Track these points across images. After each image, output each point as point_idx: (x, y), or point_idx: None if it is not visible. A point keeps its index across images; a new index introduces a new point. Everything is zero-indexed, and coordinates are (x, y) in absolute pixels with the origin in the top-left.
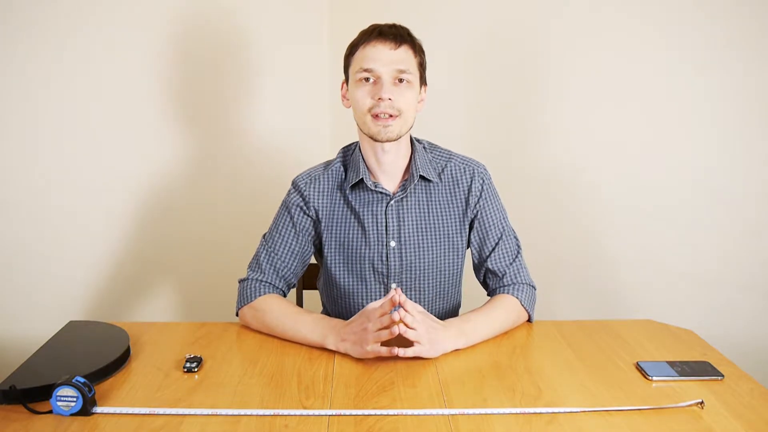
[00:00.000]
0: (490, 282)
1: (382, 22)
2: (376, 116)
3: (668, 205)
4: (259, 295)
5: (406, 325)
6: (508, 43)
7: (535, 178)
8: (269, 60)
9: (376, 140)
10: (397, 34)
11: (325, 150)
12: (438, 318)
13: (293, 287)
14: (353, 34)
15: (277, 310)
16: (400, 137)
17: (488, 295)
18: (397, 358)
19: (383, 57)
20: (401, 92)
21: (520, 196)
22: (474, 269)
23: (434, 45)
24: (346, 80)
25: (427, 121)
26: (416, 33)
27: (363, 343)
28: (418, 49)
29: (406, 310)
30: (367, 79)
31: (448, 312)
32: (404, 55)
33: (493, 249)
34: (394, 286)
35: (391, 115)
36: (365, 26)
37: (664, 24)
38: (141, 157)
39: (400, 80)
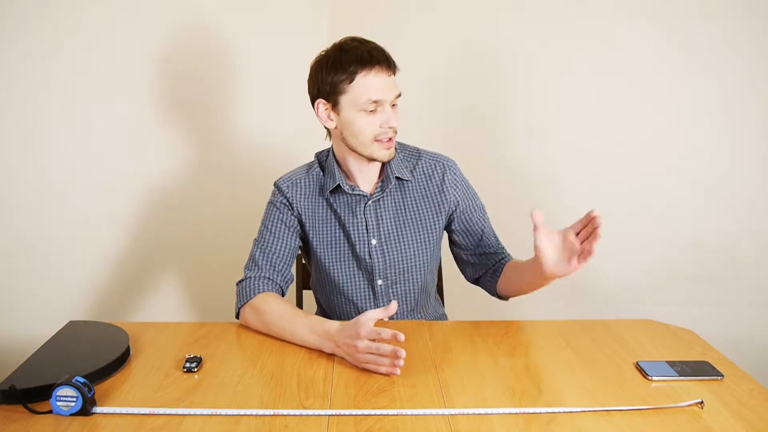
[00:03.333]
0: (490, 261)
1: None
2: (379, 140)
3: (668, 204)
4: (259, 292)
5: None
6: (507, 44)
7: (534, 178)
8: (266, 59)
9: (377, 161)
10: (389, 59)
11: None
12: (419, 305)
13: (291, 282)
14: (354, 32)
15: (276, 311)
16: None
17: (478, 280)
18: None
19: (387, 86)
20: (396, 114)
21: (520, 196)
22: (459, 261)
23: (435, 46)
24: (334, 104)
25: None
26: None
27: (355, 360)
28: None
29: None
30: (377, 103)
31: (424, 300)
32: (395, 79)
33: (482, 235)
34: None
35: (390, 138)
36: (365, 24)
37: (664, 24)
38: (141, 158)
39: (393, 104)
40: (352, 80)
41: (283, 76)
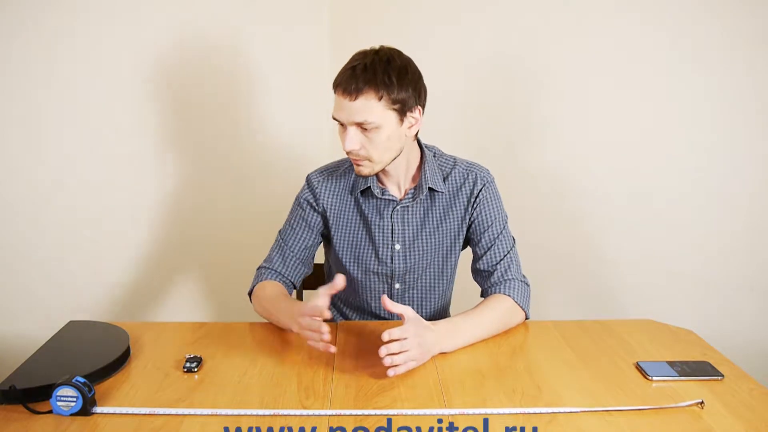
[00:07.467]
0: (481, 281)
1: (374, 22)
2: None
3: (668, 204)
4: (260, 281)
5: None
6: (509, 43)
7: (534, 178)
8: (270, 59)
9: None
10: (354, 87)
11: (325, 149)
12: (429, 315)
13: (304, 275)
14: (354, 32)
15: (268, 296)
16: (374, 174)
17: (481, 295)
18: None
19: (344, 108)
20: (368, 139)
21: (520, 196)
22: (471, 270)
23: (436, 45)
24: None
25: (429, 122)
26: (415, 32)
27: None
28: (388, 89)
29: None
30: (341, 123)
31: (440, 308)
32: (362, 105)
33: (487, 251)
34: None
35: (357, 161)
36: (366, 25)
37: (664, 24)
38: (142, 157)
39: (365, 128)
40: (335, 92)
41: (285, 76)
